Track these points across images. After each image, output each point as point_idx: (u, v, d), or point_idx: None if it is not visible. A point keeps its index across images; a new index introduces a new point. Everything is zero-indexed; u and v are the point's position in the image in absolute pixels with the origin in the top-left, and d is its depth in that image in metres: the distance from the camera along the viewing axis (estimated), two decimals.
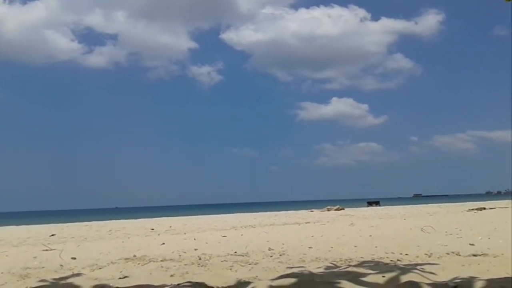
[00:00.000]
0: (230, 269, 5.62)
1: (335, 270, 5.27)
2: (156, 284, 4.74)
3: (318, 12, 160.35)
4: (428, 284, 4.11)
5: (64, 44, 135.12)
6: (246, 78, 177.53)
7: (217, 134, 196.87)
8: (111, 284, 4.73)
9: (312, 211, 29.10)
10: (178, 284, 4.62)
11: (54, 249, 8.64)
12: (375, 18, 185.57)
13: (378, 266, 5.41)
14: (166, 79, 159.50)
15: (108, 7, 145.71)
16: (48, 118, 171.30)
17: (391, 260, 5.92)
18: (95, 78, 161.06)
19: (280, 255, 6.83)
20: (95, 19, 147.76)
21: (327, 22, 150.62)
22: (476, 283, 4.07)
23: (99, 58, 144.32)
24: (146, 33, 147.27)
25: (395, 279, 4.44)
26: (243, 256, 6.79)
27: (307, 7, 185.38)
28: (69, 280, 4.98)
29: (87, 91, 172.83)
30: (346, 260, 6.10)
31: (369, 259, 6.13)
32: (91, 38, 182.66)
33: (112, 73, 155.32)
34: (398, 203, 48.85)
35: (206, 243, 9.15)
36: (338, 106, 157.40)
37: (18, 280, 5.23)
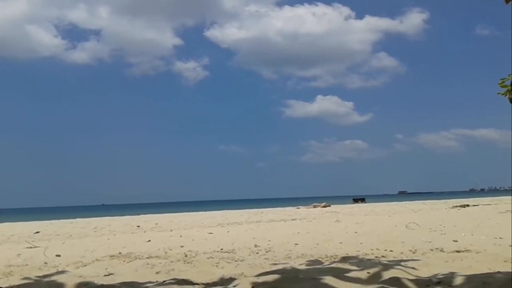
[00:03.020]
0: (216, 266, 5.62)
1: (320, 266, 5.31)
2: (141, 281, 4.71)
3: (302, 10, 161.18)
4: (411, 280, 4.16)
5: (46, 40, 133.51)
6: (232, 76, 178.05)
7: (204, 131, 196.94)
8: (96, 282, 4.69)
9: (298, 208, 29.23)
10: (164, 281, 4.60)
11: (38, 247, 8.54)
12: (360, 16, 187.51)
13: (363, 262, 5.45)
14: (151, 75, 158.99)
15: (91, 2, 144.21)
16: (31, 113, 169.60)
17: (375, 256, 5.97)
18: (78, 74, 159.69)
19: (266, 251, 6.85)
20: (78, 15, 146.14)
21: (312, 20, 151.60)
22: (459, 278, 4.13)
23: (82, 54, 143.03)
24: (130, 29, 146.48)
25: (379, 275, 4.48)
26: (229, 253, 6.80)
27: (292, 5, 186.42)
28: (53, 278, 4.93)
29: (71, 87, 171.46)
30: (332, 256, 6.14)
31: (354, 255, 6.17)
32: (74, 33, 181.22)
33: (95, 69, 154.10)
34: (383, 200, 49.24)
35: (193, 240, 9.14)
36: (324, 104, 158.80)
37: (1, 278, 5.16)
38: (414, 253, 6.19)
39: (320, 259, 5.95)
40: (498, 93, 4.51)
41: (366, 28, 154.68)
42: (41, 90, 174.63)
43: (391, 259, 5.70)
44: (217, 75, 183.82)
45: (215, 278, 4.73)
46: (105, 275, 5.08)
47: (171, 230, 12.60)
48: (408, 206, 26.80)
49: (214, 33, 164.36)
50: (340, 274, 4.54)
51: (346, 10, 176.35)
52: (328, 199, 39.82)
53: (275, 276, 4.52)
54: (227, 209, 33.14)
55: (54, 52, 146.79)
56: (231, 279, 4.58)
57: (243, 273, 4.97)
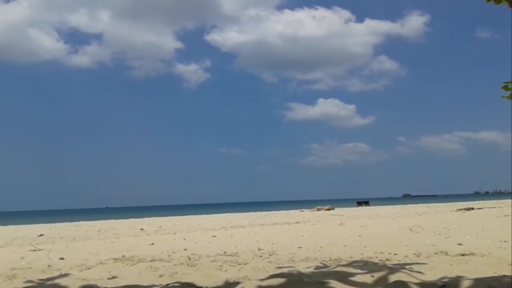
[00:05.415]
0: (220, 269, 5.61)
1: (324, 269, 5.28)
2: (145, 284, 4.71)
3: (302, 14, 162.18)
4: (416, 283, 4.14)
5: (48, 44, 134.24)
6: (233, 79, 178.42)
7: (206, 133, 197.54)
8: (99, 285, 4.69)
9: (302, 211, 29.16)
10: (167, 285, 4.59)
11: (42, 249, 8.55)
12: (360, 19, 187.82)
13: (367, 265, 5.43)
14: (152, 78, 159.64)
15: (93, 6, 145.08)
16: (34, 117, 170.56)
17: (380, 260, 5.95)
18: (80, 77, 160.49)
19: (270, 255, 6.83)
20: (80, 19, 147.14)
21: (312, 24, 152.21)
22: (464, 282, 4.10)
23: (83, 58, 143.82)
24: (130, 32, 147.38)
25: (383, 278, 4.46)
26: (233, 256, 6.78)
27: (291, 8, 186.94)
28: (57, 281, 4.93)
29: (73, 90, 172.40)
30: (336, 259, 6.12)
31: (359, 258, 6.15)
32: (75, 37, 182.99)
33: (97, 73, 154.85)
34: (388, 203, 49.12)
35: (196, 243, 9.13)
36: (325, 107, 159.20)
37: (4, 281, 5.16)
38: (418, 256, 6.16)
39: (324, 262, 5.92)
40: (503, 97, 4.50)
41: (367, 31, 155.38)
42: (43, 93, 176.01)
43: (396, 262, 5.68)
44: (218, 78, 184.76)
45: (219, 281, 4.72)
46: (108, 278, 5.07)
47: (175, 233, 12.60)
48: (412, 209, 26.71)
49: (214, 37, 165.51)
50: (344, 277, 4.52)
51: (346, 14, 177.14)
52: (332, 202, 39.81)
53: (280, 280, 4.50)
54: (230, 212, 33.11)
55: (55, 56, 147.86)
56: (235, 283, 4.57)
57: (246, 276, 4.96)
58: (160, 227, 15.83)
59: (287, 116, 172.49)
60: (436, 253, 6.31)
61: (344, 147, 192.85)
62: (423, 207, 29.57)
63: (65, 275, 5.36)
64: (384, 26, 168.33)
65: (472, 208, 22.66)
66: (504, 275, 4.41)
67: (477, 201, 39.61)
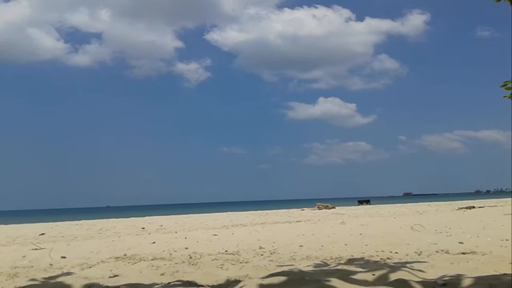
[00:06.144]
0: (221, 267, 5.62)
1: (325, 268, 5.29)
2: (146, 283, 4.72)
3: (302, 13, 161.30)
4: (417, 282, 4.14)
5: (48, 43, 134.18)
6: (233, 78, 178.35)
7: (206, 133, 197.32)
8: (101, 283, 4.70)
9: (303, 209, 29.15)
10: (169, 283, 4.61)
11: (43, 248, 8.58)
12: (360, 18, 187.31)
13: (368, 264, 5.44)
14: (153, 77, 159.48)
15: (93, 5, 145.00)
16: (35, 116, 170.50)
17: (381, 258, 5.95)
18: (80, 77, 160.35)
19: (271, 253, 6.84)
20: (80, 18, 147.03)
21: (312, 23, 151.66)
22: (465, 280, 4.10)
23: (84, 57, 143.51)
24: (131, 32, 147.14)
25: (384, 277, 4.47)
26: (234, 254, 6.79)
27: (291, 7, 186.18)
28: (59, 279, 4.94)
29: (73, 90, 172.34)
30: (337, 258, 6.13)
31: (359, 257, 6.16)
32: (75, 36, 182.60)
33: (97, 72, 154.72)
34: (389, 202, 49.06)
35: (197, 242, 9.14)
36: (326, 106, 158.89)
37: (6, 279, 5.18)
38: (419, 255, 6.17)
39: (325, 261, 5.94)
40: (505, 96, 4.50)
41: (367, 30, 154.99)
42: (43, 93, 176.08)
43: (397, 261, 5.68)
44: (218, 77, 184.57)
45: (220, 280, 4.73)
46: (110, 277, 5.09)
47: (176, 232, 12.61)
48: (413, 207, 26.69)
49: (214, 36, 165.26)
50: (345, 276, 4.53)
51: (346, 12, 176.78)
52: (333, 201, 39.73)
53: (281, 278, 4.51)
54: (231, 211, 33.12)
55: (56, 55, 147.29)
56: (236, 281, 4.58)
57: (248, 275, 4.97)
58: (161, 226, 15.85)
59: (288, 115, 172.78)
60: (437, 252, 6.31)
61: (345, 146, 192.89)
62: (424, 205, 29.55)
63: (67, 273, 5.38)
64: (384, 25, 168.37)
65: (473, 207, 22.66)
66: (505, 274, 4.41)
67: (478, 200, 39.62)
